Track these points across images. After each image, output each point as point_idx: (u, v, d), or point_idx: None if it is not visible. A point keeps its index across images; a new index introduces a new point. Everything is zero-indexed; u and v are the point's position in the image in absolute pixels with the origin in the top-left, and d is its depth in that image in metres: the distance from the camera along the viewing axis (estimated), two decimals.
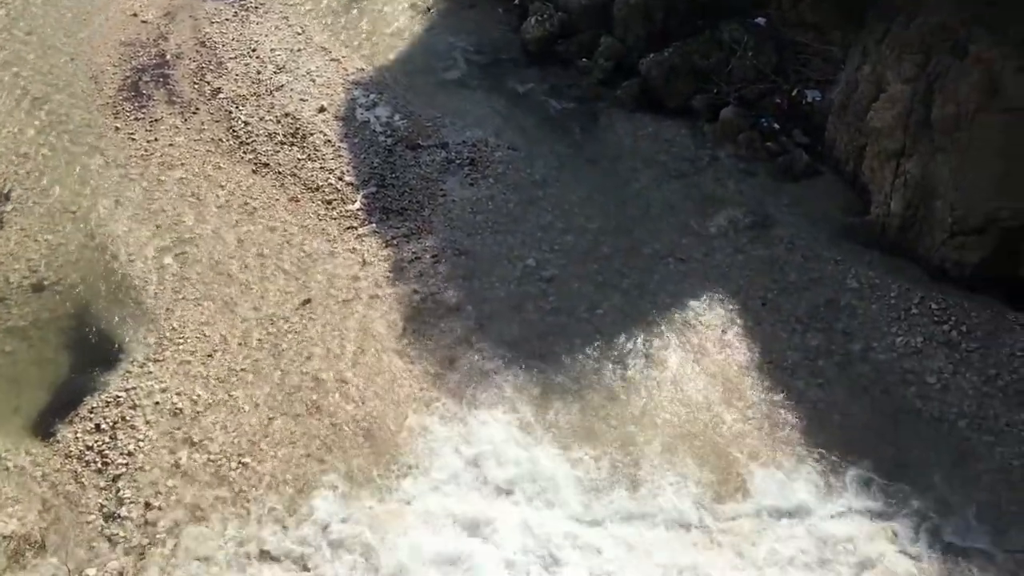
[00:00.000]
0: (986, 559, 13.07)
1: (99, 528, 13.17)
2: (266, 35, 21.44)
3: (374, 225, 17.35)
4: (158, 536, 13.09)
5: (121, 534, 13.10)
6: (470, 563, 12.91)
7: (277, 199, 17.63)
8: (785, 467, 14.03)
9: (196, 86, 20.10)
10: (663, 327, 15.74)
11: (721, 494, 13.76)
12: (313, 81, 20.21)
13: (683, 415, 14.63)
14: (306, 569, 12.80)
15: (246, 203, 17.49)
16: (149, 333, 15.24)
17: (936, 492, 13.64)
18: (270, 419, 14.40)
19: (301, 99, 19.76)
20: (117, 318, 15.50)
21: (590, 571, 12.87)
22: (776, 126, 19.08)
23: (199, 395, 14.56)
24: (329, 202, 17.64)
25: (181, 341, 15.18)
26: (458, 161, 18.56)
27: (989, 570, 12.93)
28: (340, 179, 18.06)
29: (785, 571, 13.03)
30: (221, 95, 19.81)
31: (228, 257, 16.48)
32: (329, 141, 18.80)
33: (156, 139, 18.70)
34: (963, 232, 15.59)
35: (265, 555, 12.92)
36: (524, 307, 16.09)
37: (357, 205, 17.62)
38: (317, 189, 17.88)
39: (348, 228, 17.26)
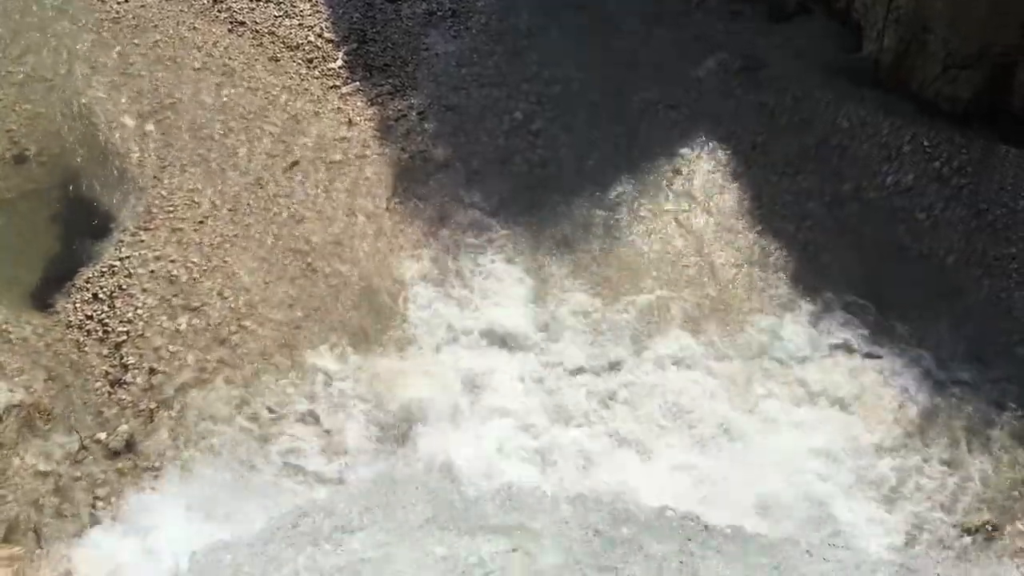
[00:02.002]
0: (971, 389, 13.50)
1: (106, 394, 13.44)
2: None
3: (358, 83, 16.98)
4: (165, 400, 13.39)
5: (128, 399, 13.38)
6: (474, 410, 13.35)
7: (256, 59, 17.16)
8: (777, 309, 14.31)
9: None
10: (653, 175, 15.69)
11: (715, 338, 14.07)
12: None
13: (675, 262, 14.78)
14: (315, 421, 13.22)
15: (225, 64, 17.03)
16: (138, 201, 15.12)
17: (924, 327, 13.97)
18: (266, 283, 14.49)
19: None
20: (104, 188, 15.34)
21: (591, 416, 13.35)
22: None
23: (194, 262, 14.59)
24: (310, 61, 17.19)
25: (171, 209, 15.09)
26: (440, 13, 17.99)
27: (974, 399, 13.38)
28: (320, 36, 17.53)
29: (777, 409, 13.49)
30: None
31: (211, 121, 16.16)
32: None
33: (127, 0, 18.01)
34: (956, 66, 15.32)
35: (271, 411, 13.28)
36: (513, 160, 15.98)
37: (339, 63, 17.18)
38: (297, 48, 17.38)
39: (331, 87, 16.90)
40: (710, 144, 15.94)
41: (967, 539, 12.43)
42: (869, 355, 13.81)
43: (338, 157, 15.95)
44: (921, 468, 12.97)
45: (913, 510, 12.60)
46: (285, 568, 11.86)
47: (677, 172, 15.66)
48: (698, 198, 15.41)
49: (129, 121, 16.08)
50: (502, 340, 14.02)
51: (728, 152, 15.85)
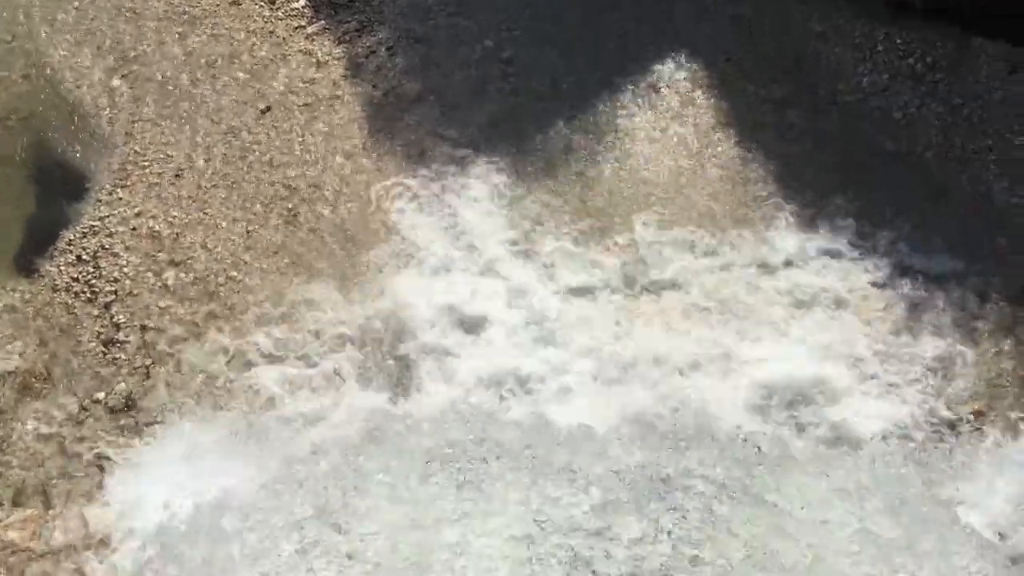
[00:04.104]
0: (956, 282, 13.72)
1: (100, 355, 13.47)
2: None
3: (323, 22, 16.67)
4: (160, 356, 13.44)
5: (123, 357, 13.42)
6: (469, 341, 13.51)
7: (218, 4, 16.81)
8: (762, 220, 14.40)
9: None
10: (629, 95, 15.58)
11: (702, 254, 14.17)
12: None
13: (655, 180, 14.78)
14: (311, 364, 13.33)
15: (186, 12, 16.67)
16: (112, 159, 14.95)
17: (906, 226, 14.12)
18: (249, 232, 14.44)
19: None
20: (77, 147, 15.15)
21: (588, 338, 13.51)
22: None
23: (174, 216, 14.51)
24: (272, 2, 16.82)
25: (146, 164, 14.94)
26: None
27: (959, 291, 13.62)
28: None
29: (765, 318, 13.69)
30: None
31: (177, 72, 15.90)
32: None
33: None
34: None
35: (267, 358, 13.38)
36: (486, 91, 15.81)
37: (302, 2, 16.85)
38: None
39: (296, 28, 16.60)
40: (685, 60, 15.80)
41: (958, 429, 12.78)
42: (855, 257, 13.97)
43: (310, 100, 15.77)
44: (911, 362, 13.26)
45: (905, 404, 12.93)
46: (292, 510, 12.10)
47: (654, 90, 15.54)
48: (676, 114, 15.34)
49: (95, 78, 15.80)
50: (490, 269, 14.09)
51: (704, 66, 15.71)
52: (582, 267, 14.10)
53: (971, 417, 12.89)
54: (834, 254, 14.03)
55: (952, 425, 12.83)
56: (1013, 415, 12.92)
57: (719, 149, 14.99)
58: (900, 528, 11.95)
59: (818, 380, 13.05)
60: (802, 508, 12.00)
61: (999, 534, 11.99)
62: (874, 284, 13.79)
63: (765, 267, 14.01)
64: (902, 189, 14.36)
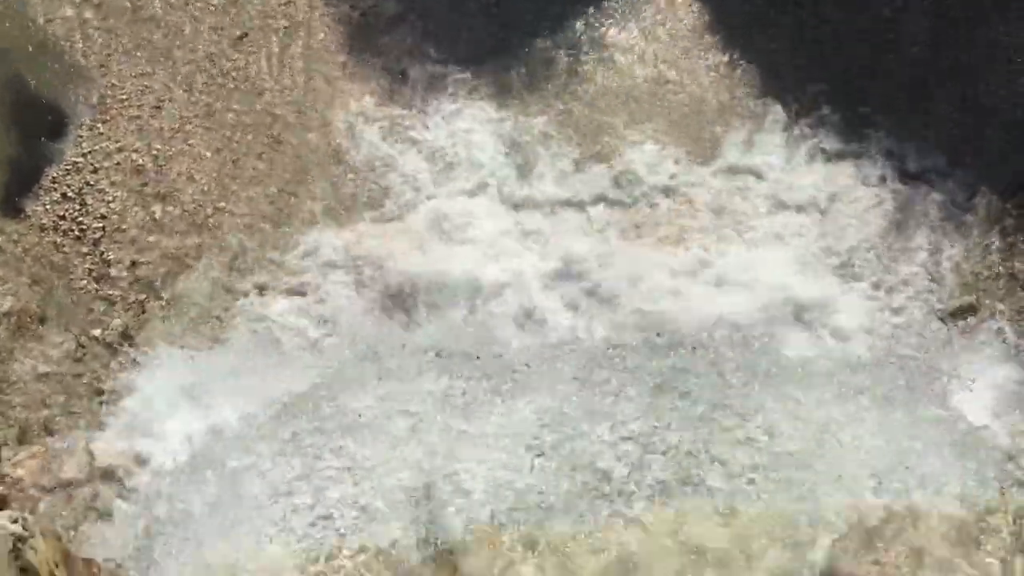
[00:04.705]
0: (944, 178, 13.81)
1: (93, 291, 13.46)
2: None
3: None
4: (152, 290, 13.45)
5: (116, 294, 13.42)
6: (455, 253, 13.64)
7: None
8: (749, 122, 14.36)
9: None
10: (611, 4, 15.33)
11: (693, 158, 14.18)
12: None
13: (644, 87, 14.68)
14: (303, 292, 13.40)
15: None
16: (89, 93, 14.68)
17: (894, 122, 14.11)
18: (234, 162, 14.32)
19: None
20: (54, 84, 14.84)
21: (577, 249, 13.61)
22: None
23: (157, 149, 14.35)
24: None
25: (124, 96, 14.69)
26: None
27: (947, 188, 13.74)
28: None
29: (755, 222, 13.77)
30: None
31: (150, 0, 15.55)
32: None
33: None
34: None
35: (259, 288, 13.42)
36: (466, 7, 15.52)
37: None
38: None
39: None
40: None
41: (950, 322, 12.96)
42: (842, 155, 13.96)
43: (286, 23, 15.43)
44: (901, 260, 13.37)
45: (898, 298, 13.10)
46: (292, 435, 12.41)
47: None
48: (659, 22, 15.11)
49: (66, 10, 15.40)
50: (477, 185, 14.09)
51: None
52: (570, 180, 14.08)
53: (961, 311, 13.05)
54: (823, 154, 14.06)
55: (942, 319, 13.00)
56: (1001, 306, 13.08)
57: (704, 54, 14.82)
58: (894, 420, 12.27)
59: (809, 280, 13.17)
60: (800, 403, 12.35)
61: (986, 422, 12.31)
62: (863, 183, 13.83)
63: (753, 171, 14.01)
64: (890, 85, 14.28)
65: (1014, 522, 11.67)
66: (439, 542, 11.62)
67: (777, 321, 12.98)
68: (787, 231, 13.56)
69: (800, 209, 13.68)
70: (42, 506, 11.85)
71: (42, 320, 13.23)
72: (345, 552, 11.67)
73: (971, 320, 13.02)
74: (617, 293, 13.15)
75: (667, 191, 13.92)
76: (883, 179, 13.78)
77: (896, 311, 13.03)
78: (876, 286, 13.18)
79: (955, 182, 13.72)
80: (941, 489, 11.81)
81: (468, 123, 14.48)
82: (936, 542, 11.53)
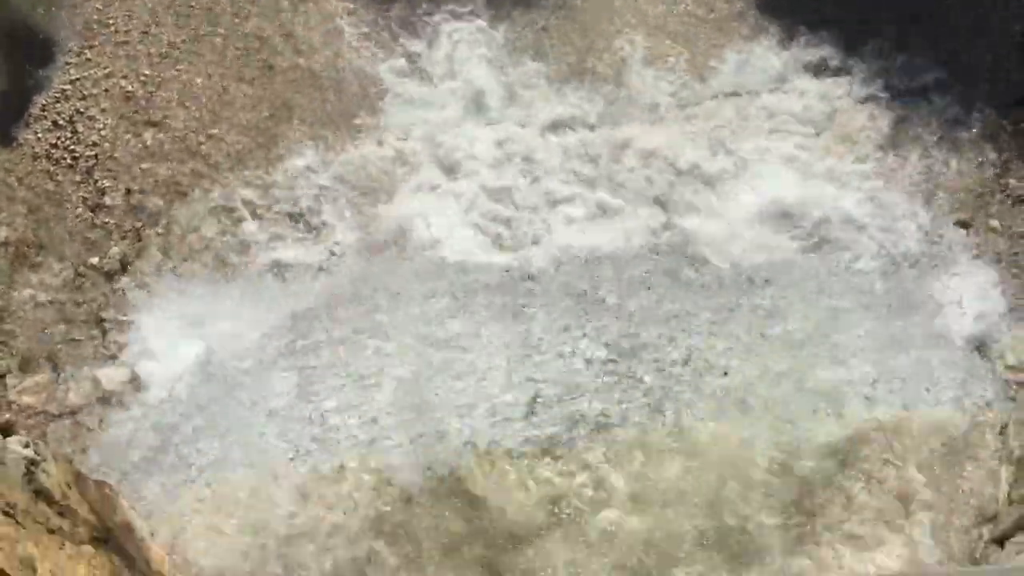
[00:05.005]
0: (939, 95, 13.80)
1: (89, 220, 13.46)
2: None
3: None
4: (149, 217, 13.45)
5: (112, 222, 13.42)
6: (454, 183, 13.69)
7: None
8: (744, 41, 14.24)
9: None
10: None
11: (686, 79, 14.11)
12: None
13: (636, 9, 14.51)
14: (298, 219, 13.47)
15: None
16: (74, 19, 14.45)
17: (890, 39, 14.01)
18: (225, 87, 14.16)
19: None
20: (36, 9, 14.60)
21: (573, 171, 13.69)
22: None
23: (146, 75, 14.18)
24: None
25: (110, 22, 14.45)
26: None
27: (942, 104, 13.74)
28: None
29: (752, 142, 13.77)
30: None
31: None
32: None
33: None
34: None
35: (255, 215, 13.46)
36: None
37: None
38: None
39: None
40: None
41: (942, 239, 13.11)
42: (838, 72, 13.90)
43: None
44: (896, 176, 13.44)
45: (892, 214, 13.23)
46: (293, 350, 12.67)
47: None
48: None
49: None
50: (473, 109, 14.00)
51: None
52: (564, 101, 14.02)
53: (956, 226, 13.17)
54: (818, 70, 14.01)
55: (937, 235, 13.15)
56: (995, 223, 13.19)
57: None
58: (887, 331, 12.60)
59: (806, 199, 13.26)
60: (805, 318, 12.65)
61: (976, 334, 12.60)
62: (858, 100, 13.80)
63: (748, 89, 13.96)
64: (883, 11, 14.14)
65: (1000, 432, 11.99)
66: (441, 464, 12.03)
67: (772, 238, 13.22)
68: (781, 148, 13.59)
69: (794, 126, 13.68)
70: (49, 431, 12.09)
71: (40, 249, 13.27)
72: (349, 468, 12.08)
73: (965, 235, 13.14)
74: (610, 216, 13.34)
75: (659, 116, 13.93)
76: (879, 96, 13.74)
77: (888, 227, 13.17)
78: (869, 202, 13.28)
79: (950, 97, 13.70)
80: (931, 400, 12.11)
81: (458, 41, 14.31)
82: (925, 454, 11.89)
